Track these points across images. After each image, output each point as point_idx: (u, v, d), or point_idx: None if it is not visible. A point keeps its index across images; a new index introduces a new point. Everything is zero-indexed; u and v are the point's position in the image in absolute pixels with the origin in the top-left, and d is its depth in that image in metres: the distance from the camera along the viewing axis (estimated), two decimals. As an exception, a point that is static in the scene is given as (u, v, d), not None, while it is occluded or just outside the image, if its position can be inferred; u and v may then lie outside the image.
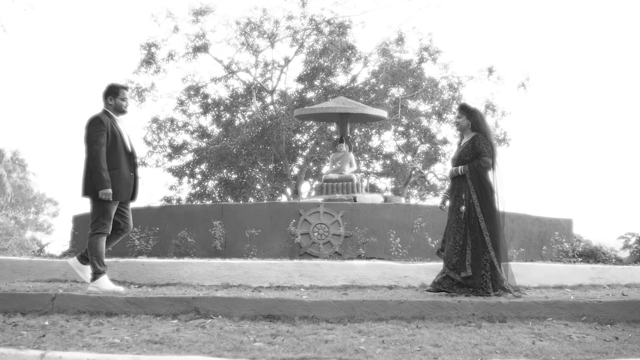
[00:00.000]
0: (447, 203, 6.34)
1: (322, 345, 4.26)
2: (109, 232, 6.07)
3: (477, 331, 4.73)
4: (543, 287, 6.78)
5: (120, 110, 6.21)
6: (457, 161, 6.21)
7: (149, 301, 5.29)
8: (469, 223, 5.98)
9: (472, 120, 6.20)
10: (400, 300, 5.26)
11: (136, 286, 6.43)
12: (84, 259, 6.14)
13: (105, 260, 6.01)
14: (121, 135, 6.12)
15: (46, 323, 4.89)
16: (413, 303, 5.23)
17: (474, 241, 5.93)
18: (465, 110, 6.25)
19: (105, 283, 5.93)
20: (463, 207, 6.01)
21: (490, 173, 6.14)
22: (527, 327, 4.88)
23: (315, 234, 8.55)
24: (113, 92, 6.19)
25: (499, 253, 5.95)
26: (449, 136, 19.79)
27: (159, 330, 4.64)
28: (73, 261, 6.23)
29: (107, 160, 5.97)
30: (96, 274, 5.96)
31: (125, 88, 6.40)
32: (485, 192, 6.04)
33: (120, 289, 5.95)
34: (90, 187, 5.97)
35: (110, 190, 5.92)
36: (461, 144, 6.31)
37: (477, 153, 6.10)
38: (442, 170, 19.74)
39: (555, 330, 4.78)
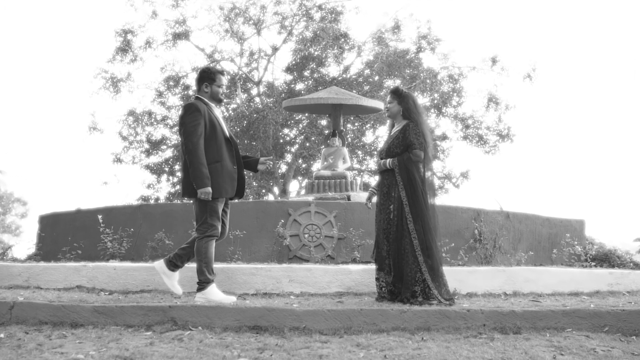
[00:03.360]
0: (374, 200, 6.10)
1: (316, 361, 4.04)
2: (219, 234, 5.74)
3: (490, 344, 4.52)
4: (557, 294, 6.61)
5: (217, 99, 5.84)
6: (385, 153, 5.94)
7: (120, 310, 5.08)
8: (400, 224, 5.74)
9: (403, 106, 5.94)
10: (402, 309, 5.12)
11: (106, 293, 6.19)
12: (172, 265, 5.81)
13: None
14: (220, 124, 5.76)
15: (1, 335, 4.68)
16: (417, 312, 5.09)
17: (404, 244, 5.68)
18: (396, 94, 6.00)
19: (215, 293, 5.62)
20: (392, 206, 5.78)
21: (421, 167, 5.89)
22: (545, 339, 4.70)
23: (306, 235, 8.35)
24: (209, 78, 5.79)
25: (429, 257, 5.68)
26: (449, 131, 19.65)
27: (129, 344, 4.44)
28: (159, 264, 5.82)
29: (208, 153, 5.60)
30: (204, 283, 5.66)
31: (222, 73, 5.97)
32: (415, 190, 5.77)
33: (233, 298, 5.65)
34: (191, 185, 5.62)
35: (209, 189, 5.55)
36: (391, 134, 6.06)
37: (407, 145, 5.84)
38: (441, 168, 19.61)
39: (576, 343, 4.59)
